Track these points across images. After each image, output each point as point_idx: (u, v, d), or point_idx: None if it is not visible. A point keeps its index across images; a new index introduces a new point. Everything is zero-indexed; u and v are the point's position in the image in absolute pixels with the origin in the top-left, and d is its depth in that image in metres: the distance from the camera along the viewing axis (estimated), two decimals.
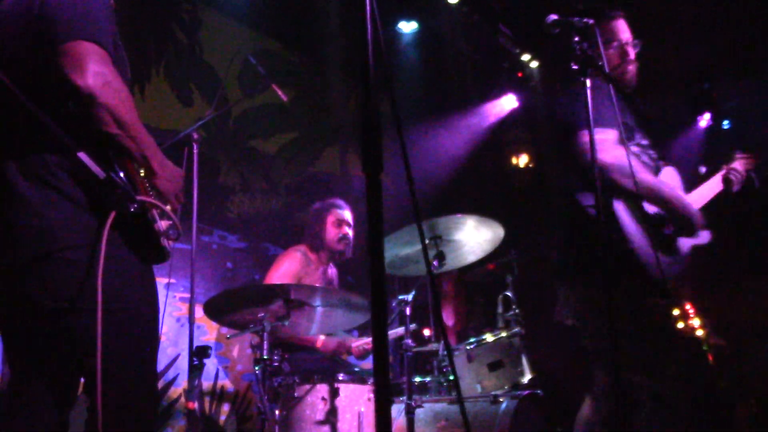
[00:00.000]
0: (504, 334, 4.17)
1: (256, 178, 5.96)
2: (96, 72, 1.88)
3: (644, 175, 2.86)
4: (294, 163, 6.36)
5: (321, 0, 5.72)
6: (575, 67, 2.75)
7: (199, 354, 3.67)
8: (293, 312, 3.54)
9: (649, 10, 6.02)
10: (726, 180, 3.32)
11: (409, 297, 3.82)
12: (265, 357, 3.39)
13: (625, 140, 2.87)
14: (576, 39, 2.72)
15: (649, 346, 2.90)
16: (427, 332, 5.30)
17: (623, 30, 3.21)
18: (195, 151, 4.10)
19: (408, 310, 3.80)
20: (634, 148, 2.96)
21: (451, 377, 4.25)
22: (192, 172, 4.05)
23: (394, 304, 4.01)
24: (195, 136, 4.12)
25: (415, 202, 1.20)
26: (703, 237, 3.07)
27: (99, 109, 1.89)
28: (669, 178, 3.12)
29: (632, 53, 3.18)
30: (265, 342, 3.41)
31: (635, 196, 2.86)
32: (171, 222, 2.13)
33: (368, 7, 1.24)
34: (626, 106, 3.12)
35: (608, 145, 2.83)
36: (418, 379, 4.30)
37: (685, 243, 3.03)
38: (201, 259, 4.86)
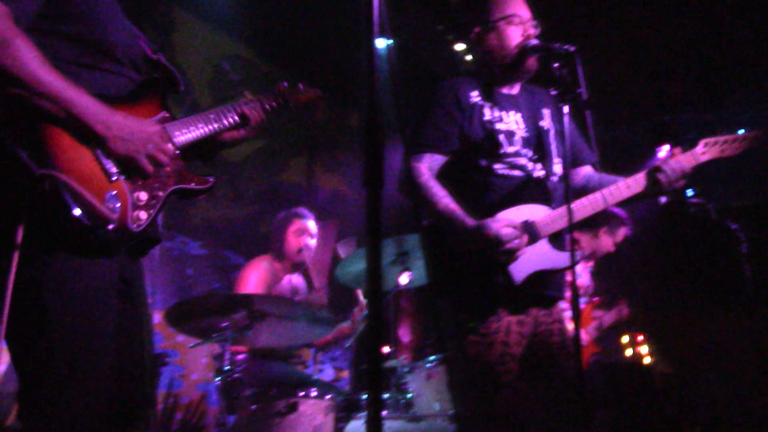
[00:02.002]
0: None
1: (222, 185, 5.90)
2: None
3: (436, 200, 2.71)
4: (261, 172, 6.31)
5: (298, 11, 5.69)
6: (554, 92, 2.76)
7: (156, 362, 3.60)
8: (256, 323, 3.50)
9: (613, 43, 6.17)
10: (651, 178, 2.79)
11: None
12: (226, 368, 3.35)
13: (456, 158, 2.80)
14: (555, 65, 2.70)
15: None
16: (386, 349, 5.28)
17: (523, 8, 2.93)
18: None
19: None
20: (483, 162, 2.79)
21: (409, 395, 4.23)
22: None
23: (359, 318, 4.00)
24: None
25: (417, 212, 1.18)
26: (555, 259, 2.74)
27: None
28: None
29: (534, 33, 2.88)
30: (227, 352, 3.37)
31: None
32: (146, 195, 1.87)
33: (375, 18, 1.23)
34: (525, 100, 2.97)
35: (415, 172, 2.75)
36: None
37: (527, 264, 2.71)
38: (160, 265, 4.77)
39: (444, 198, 2.70)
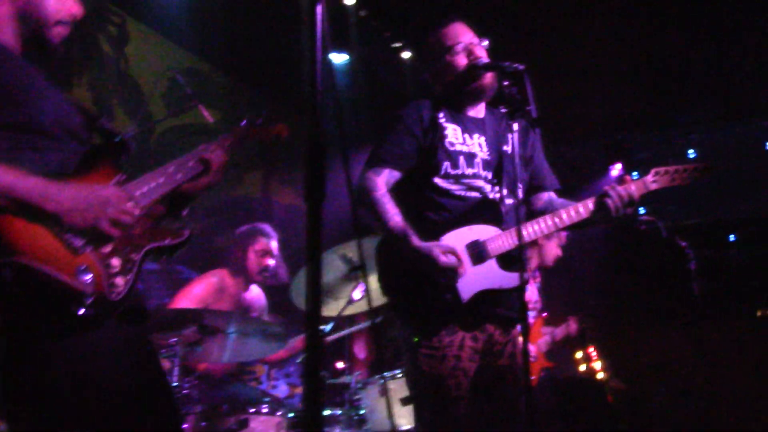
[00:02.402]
0: None
1: None
2: None
3: (388, 216, 2.75)
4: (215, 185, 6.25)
5: (254, 25, 5.68)
6: (504, 110, 2.80)
7: None
8: (206, 338, 3.46)
9: (569, 63, 6.28)
10: (599, 203, 2.82)
11: (327, 328, 3.78)
12: (175, 384, 3.29)
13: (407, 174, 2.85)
14: (505, 83, 2.73)
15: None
16: (340, 364, 5.25)
17: (464, 33, 2.99)
18: None
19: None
20: (441, 182, 2.83)
21: (362, 411, 4.21)
22: None
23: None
24: None
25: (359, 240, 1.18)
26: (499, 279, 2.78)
27: None
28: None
29: (481, 53, 2.94)
30: (176, 368, 3.32)
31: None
32: (119, 261, 1.82)
33: (318, 32, 1.23)
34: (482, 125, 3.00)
35: (371, 185, 2.78)
36: (328, 411, 4.25)
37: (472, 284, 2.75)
38: None
39: (395, 216, 2.73)
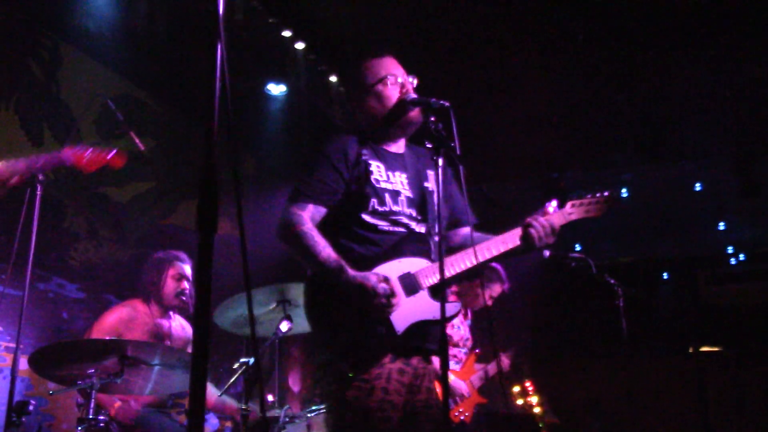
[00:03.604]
0: None
1: (105, 227, 5.72)
2: None
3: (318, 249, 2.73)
4: (148, 213, 6.16)
5: (189, 53, 5.67)
6: (429, 145, 2.83)
7: (17, 410, 3.40)
8: (127, 369, 3.37)
9: (505, 102, 6.42)
10: (525, 233, 2.88)
11: (251, 360, 3.73)
12: (90, 417, 3.19)
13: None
14: (432, 119, 2.77)
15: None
16: (270, 397, 5.18)
17: (397, 66, 3.02)
18: (38, 192, 3.87)
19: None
20: (368, 218, 2.83)
21: None
22: (33, 214, 3.83)
23: (236, 366, 3.92)
24: (40, 177, 3.89)
25: (246, 266, 1.18)
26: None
27: None
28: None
29: (411, 89, 2.97)
30: (92, 400, 3.22)
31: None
32: None
33: (218, 62, 1.23)
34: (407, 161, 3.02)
35: (297, 219, 2.77)
36: None
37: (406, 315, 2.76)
38: (33, 308, 4.54)
39: (326, 248, 2.71)
